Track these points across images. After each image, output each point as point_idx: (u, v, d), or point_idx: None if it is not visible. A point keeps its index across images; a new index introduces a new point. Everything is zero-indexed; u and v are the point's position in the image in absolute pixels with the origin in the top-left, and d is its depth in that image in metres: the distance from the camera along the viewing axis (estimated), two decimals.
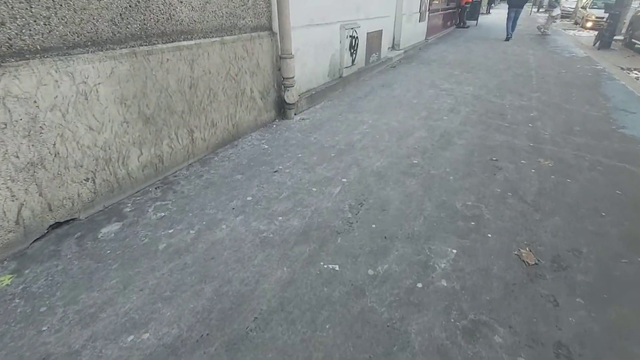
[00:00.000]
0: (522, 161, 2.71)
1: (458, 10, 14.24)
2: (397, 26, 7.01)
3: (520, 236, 1.86)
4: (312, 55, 3.92)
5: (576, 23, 16.36)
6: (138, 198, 2.14)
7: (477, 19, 14.67)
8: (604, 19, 14.01)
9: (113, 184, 2.05)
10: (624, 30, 10.02)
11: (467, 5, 14.42)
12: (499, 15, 21.22)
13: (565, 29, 13.59)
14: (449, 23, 13.30)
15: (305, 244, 1.76)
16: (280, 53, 3.30)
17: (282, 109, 3.54)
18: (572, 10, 19.16)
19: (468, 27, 14.17)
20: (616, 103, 4.19)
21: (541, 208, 2.12)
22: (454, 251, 1.73)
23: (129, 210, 2.02)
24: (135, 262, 1.62)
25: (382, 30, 5.87)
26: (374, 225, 1.92)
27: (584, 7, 15.91)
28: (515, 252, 1.73)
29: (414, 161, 2.69)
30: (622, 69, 6.35)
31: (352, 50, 4.74)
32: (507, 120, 3.60)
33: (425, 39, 9.38)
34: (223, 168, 2.54)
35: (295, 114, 3.63)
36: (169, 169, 2.42)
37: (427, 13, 9.04)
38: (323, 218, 1.97)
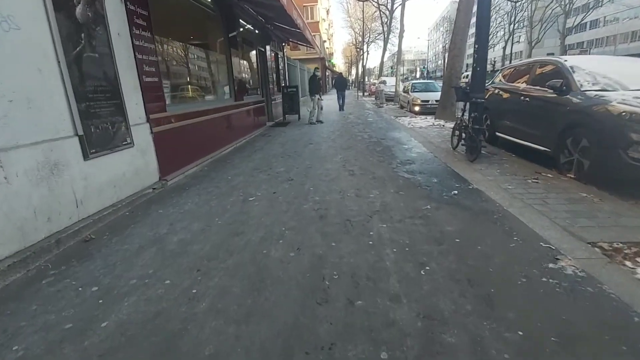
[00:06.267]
0: None
1: (273, 101, 10.55)
2: None
3: None
4: None
5: (402, 107, 15.20)
6: None
7: (298, 112, 11.28)
8: (432, 104, 12.69)
9: None
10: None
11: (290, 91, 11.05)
12: (329, 101, 19.53)
13: (397, 116, 11.34)
14: (259, 119, 9.17)
15: None
16: None
17: None
18: (392, 93, 18.89)
19: (288, 122, 10.52)
20: None
21: None
22: None
23: None
24: None
25: None
26: None
27: (406, 91, 14.90)
28: None
29: None
30: (602, 250, 2.31)
31: None
32: None
33: (161, 181, 4.22)
34: None
35: None
36: None
37: (150, 125, 4.04)
38: None
